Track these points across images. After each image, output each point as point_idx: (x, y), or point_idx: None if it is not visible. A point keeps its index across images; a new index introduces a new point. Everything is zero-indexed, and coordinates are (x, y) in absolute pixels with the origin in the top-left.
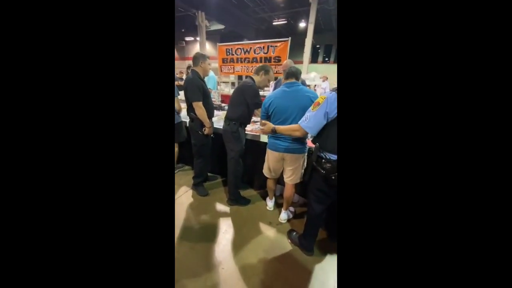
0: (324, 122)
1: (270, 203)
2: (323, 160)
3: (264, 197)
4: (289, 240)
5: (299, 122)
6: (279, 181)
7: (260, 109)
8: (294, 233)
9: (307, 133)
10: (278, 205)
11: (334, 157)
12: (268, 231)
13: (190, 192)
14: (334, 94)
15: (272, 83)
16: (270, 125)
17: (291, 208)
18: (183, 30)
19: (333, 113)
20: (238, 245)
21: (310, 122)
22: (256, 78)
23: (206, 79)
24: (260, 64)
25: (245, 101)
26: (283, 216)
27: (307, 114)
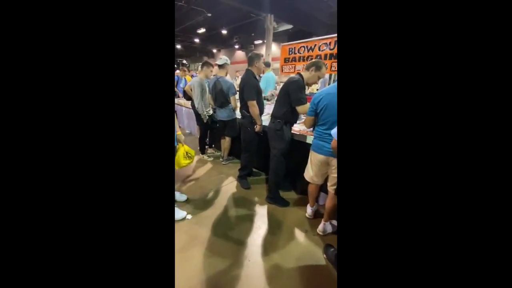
0: None
1: (309, 210)
2: None
3: (305, 203)
4: (325, 256)
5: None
6: (324, 188)
7: (302, 107)
8: (332, 249)
9: None
10: (320, 215)
11: None
12: (302, 239)
13: (235, 183)
14: None
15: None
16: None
17: (334, 222)
18: (253, 34)
19: None
20: (268, 244)
21: None
22: (306, 74)
23: (265, 79)
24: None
25: (289, 99)
26: (321, 227)
27: None
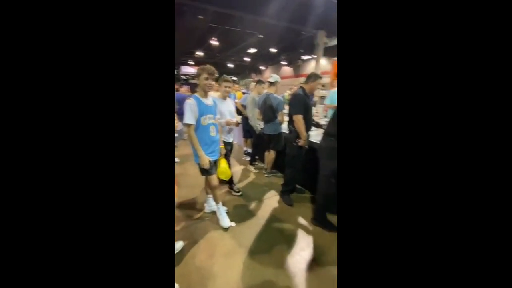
0: None
1: None
2: None
3: None
4: None
5: None
6: None
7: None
8: None
9: None
10: None
11: None
12: None
13: (277, 198)
14: None
15: None
16: None
17: None
18: (301, 51)
19: None
20: (313, 269)
21: None
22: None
23: (332, 93)
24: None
25: None
26: None
27: None
